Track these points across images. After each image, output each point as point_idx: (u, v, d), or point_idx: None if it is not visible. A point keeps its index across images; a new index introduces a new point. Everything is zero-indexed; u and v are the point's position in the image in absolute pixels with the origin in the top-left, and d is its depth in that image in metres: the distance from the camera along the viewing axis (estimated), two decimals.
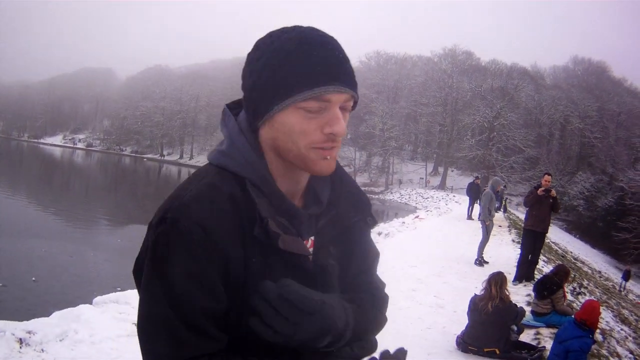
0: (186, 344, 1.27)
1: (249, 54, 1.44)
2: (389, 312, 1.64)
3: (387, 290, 1.68)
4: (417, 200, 57.08)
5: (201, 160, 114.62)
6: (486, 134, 79.23)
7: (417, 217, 28.99)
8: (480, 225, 15.40)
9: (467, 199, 31.31)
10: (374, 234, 2.24)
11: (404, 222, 24.93)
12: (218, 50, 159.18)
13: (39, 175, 61.85)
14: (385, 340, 1.73)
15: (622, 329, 14.13)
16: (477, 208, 23.92)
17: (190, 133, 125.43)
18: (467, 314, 7.68)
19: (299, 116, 1.35)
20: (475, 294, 7.85)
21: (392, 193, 72.94)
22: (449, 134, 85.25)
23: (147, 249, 1.35)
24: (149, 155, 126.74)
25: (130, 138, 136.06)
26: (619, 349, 10.39)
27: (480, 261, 14.77)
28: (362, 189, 1.64)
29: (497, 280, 7.57)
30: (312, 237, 1.49)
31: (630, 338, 13.45)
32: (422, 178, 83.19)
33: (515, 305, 7.85)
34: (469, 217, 27.84)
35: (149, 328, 1.32)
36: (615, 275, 34.38)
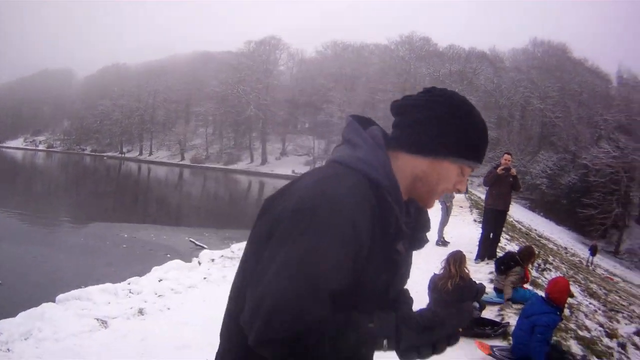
0: (305, 310, 1.51)
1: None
2: None
3: None
4: None
5: (161, 155, 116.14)
6: None
7: None
8: (440, 206, 15.56)
9: None
10: None
11: None
12: (175, 46, 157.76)
13: (1, 179, 61.10)
14: None
15: (590, 303, 14.13)
16: None
17: (149, 129, 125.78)
18: (428, 293, 7.69)
19: (456, 170, 1.84)
20: (435, 274, 7.86)
21: None
22: None
23: (294, 221, 1.59)
24: (109, 154, 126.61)
25: (90, 137, 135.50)
26: (588, 322, 10.36)
27: (443, 241, 14.81)
28: None
29: (455, 259, 7.69)
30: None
31: (600, 311, 13.48)
32: None
33: (475, 282, 7.95)
34: None
35: (283, 282, 1.52)
36: (582, 251, 34.83)
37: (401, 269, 1.84)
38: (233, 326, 1.73)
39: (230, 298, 1.82)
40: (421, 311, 1.71)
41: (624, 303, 21.53)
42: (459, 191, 1.91)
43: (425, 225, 1.97)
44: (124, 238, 23.91)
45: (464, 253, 8.01)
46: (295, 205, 1.61)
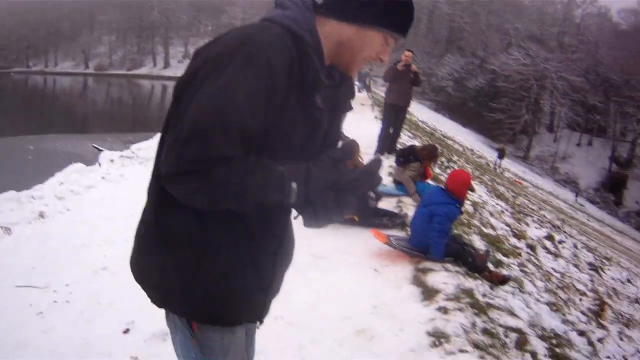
0: (216, 141, 1.61)
1: None
2: None
3: None
4: None
5: (65, 66, 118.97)
6: None
7: None
8: (358, 84, 16.97)
9: None
10: None
11: None
12: None
13: None
14: None
15: (497, 204, 14.20)
16: None
17: (55, 42, 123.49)
18: None
19: (380, 40, 1.95)
20: None
21: None
22: None
23: (215, 61, 1.70)
24: (16, 69, 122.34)
25: None
26: (494, 221, 10.61)
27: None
28: None
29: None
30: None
31: (507, 213, 13.61)
32: None
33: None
34: None
35: (199, 119, 1.63)
36: (490, 154, 35.43)
37: (322, 126, 1.95)
38: (152, 180, 1.88)
39: (156, 156, 1.85)
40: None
41: (533, 207, 21.92)
42: (381, 60, 2.02)
43: (349, 90, 3.20)
44: (30, 150, 23.31)
45: (360, 145, 8.11)
46: (220, 49, 1.74)
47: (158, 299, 1.94)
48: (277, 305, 3.43)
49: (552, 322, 6.39)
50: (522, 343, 5.00)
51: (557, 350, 5.49)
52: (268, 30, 1.76)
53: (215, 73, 1.66)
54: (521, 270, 7.83)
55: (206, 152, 1.58)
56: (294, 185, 1.67)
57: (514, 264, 7.89)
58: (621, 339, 7.79)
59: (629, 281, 16.22)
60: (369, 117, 21.72)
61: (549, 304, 7.04)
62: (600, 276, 13.08)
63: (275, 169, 1.67)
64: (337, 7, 1.90)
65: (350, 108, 1.94)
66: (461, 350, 3.81)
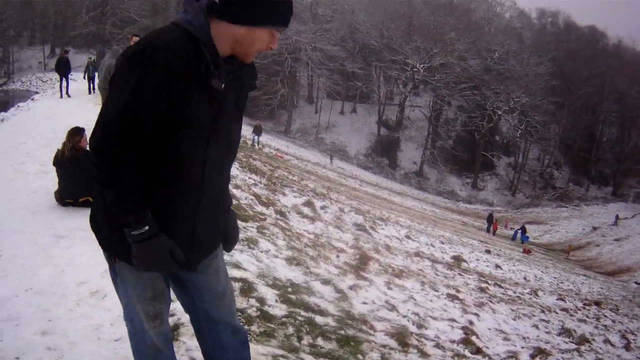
0: (118, 132, 2.42)
1: None
2: None
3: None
4: (37, 85, 59.36)
5: None
6: (99, 9, 77.27)
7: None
8: (100, 93, 17.63)
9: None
10: None
11: (18, 106, 26.00)
12: None
13: None
14: None
15: (250, 177, 14.61)
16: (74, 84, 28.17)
17: None
18: (56, 170, 8.34)
19: (267, 34, 2.59)
20: None
21: (14, 82, 72.69)
22: (64, 15, 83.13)
23: (128, 63, 2.43)
24: None
25: None
26: (238, 193, 11.19)
27: None
28: None
29: (69, 132, 8.50)
30: (223, 84, 2.59)
31: (261, 185, 14.07)
32: (41, 62, 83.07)
33: None
34: (67, 95, 26.62)
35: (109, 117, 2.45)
36: (247, 132, 36.19)
37: (225, 107, 2.64)
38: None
39: None
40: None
41: (294, 178, 22.87)
42: (271, 48, 2.65)
43: (249, 72, 2.77)
44: None
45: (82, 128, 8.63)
46: (130, 53, 2.45)
47: (99, 242, 2.86)
48: (25, 280, 5.19)
49: (289, 273, 7.11)
50: (247, 290, 5.69)
51: (292, 296, 6.20)
52: (169, 33, 2.48)
53: (124, 74, 2.42)
54: (259, 232, 8.59)
55: (109, 140, 2.42)
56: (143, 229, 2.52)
57: (252, 227, 8.64)
58: (389, 288, 8.73)
59: (407, 237, 17.65)
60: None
61: (288, 258, 7.76)
62: (371, 235, 14.07)
63: (111, 196, 2.50)
64: (228, 12, 2.51)
65: (254, 87, 2.11)
66: None
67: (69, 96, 26.16)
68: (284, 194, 14.64)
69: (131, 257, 2.62)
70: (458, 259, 17.08)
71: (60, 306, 4.77)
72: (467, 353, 6.97)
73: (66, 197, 8.20)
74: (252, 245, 7.63)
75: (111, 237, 2.74)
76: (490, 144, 79.42)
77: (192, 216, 2.73)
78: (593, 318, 13.90)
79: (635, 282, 37.51)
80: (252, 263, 6.84)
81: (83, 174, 7.91)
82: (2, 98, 50.75)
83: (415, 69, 74.53)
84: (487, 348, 7.59)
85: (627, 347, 11.16)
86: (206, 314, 3.11)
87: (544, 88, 79.85)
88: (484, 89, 76.23)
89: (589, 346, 9.96)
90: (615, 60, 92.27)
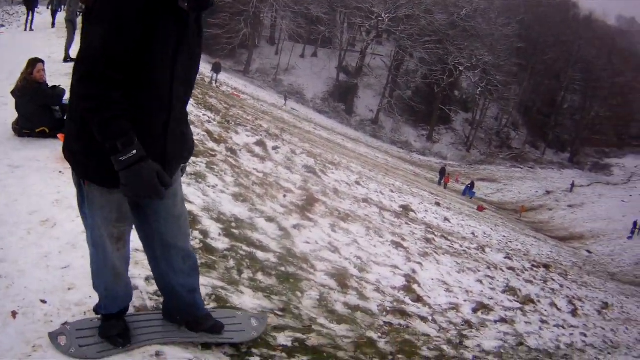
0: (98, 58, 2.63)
1: None
2: None
3: None
4: (3, 18, 57.15)
5: None
6: None
7: None
8: (66, 26, 17.07)
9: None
10: None
11: None
12: None
13: None
14: None
15: (204, 114, 14.50)
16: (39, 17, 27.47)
17: None
18: (16, 102, 8.32)
19: None
20: None
21: None
22: None
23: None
24: None
25: None
26: (209, 127, 11.86)
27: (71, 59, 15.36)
28: None
29: (28, 63, 8.39)
30: (187, 3, 2.81)
31: (215, 122, 13.91)
32: None
33: (53, 87, 8.59)
34: (30, 29, 26.05)
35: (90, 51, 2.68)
36: (206, 69, 35.80)
37: (189, 31, 2.90)
38: (71, 95, 2.87)
39: None
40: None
41: (248, 118, 22.77)
42: None
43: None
44: None
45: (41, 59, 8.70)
46: None
47: (72, 167, 3.01)
48: None
49: (234, 209, 7.14)
50: (191, 222, 5.72)
51: (235, 231, 6.29)
52: None
53: (106, 2, 2.66)
54: (208, 168, 8.61)
55: (94, 61, 2.63)
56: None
57: (201, 163, 8.65)
58: (334, 231, 8.80)
59: (357, 183, 17.70)
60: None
61: (235, 195, 7.79)
62: (320, 178, 14.06)
63: (107, 120, 2.65)
64: None
65: (212, 4, 2.16)
66: None
67: (32, 30, 25.72)
68: (237, 133, 14.53)
69: (103, 178, 2.87)
70: (406, 209, 17.16)
71: (12, 235, 4.82)
72: (407, 300, 7.08)
73: (23, 127, 8.24)
74: (199, 180, 7.69)
75: (85, 162, 2.91)
76: (449, 99, 79.68)
77: (163, 131, 2.95)
78: (540, 280, 14.11)
79: (587, 251, 38.48)
80: (198, 197, 6.93)
81: (32, 105, 8.12)
82: None
83: (380, 18, 73.94)
84: (429, 298, 7.70)
85: (573, 312, 11.31)
86: (161, 238, 3.30)
87: (509, 49, 79.88)
88: (448, 44, 75.98)
89: (534, 307, 10.10)
90: (584, 30, 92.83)
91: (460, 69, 75.06)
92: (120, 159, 2.67)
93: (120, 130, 2.64)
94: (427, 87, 77.87)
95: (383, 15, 73.29)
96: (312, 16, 74.79)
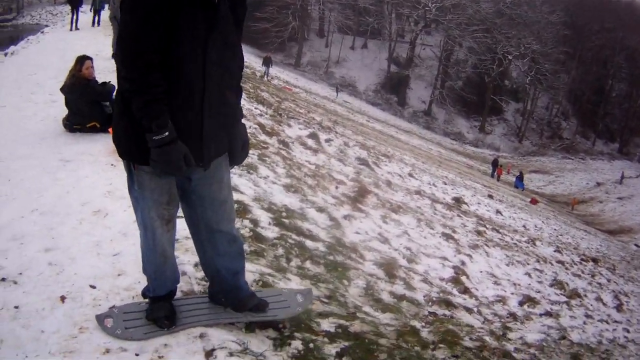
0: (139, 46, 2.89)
1: None
2: None
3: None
4: (47, 19, 59.85)
5: None
6: None
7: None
8: (111, 24, 16.95)
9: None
10: None
11: (28, 39, 26.30)
12: None
13: None
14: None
15: (256, 108, 14.78)
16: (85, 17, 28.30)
17: None
18: (66, 98, 8.61)
19: None
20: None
21: (23, 17, 70.84)
22: None
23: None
24: None
25: None
26: (261, 120, 12.08)
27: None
28: None
29: (76, 60, 8.66)
30: None
31: (267, 115, 14.17)
32: None
33: (103, 83, 8.87)
34: (76, 28, 26.73)
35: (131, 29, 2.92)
36: (257, 64, 35.98)
37: (220, 18, 3.07)
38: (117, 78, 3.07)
39: None
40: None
41: (300, 111, 22.96)
42: None
43: None
44: None
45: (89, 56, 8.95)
46: None
47: (119, 152, 3.22)
48: (32, 202, 5.51)
49: (285, 199, 7.35)
50: (241, 211, 5.99)
51: (285, 220, 6.48)
52: None
53: (130, 4, 2.89)
54: (260, 159, 8.86)
55: (132, 49, 2.87)
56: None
57: (253, 155, 8.85)
58: (385, 222, 8.94)
59: (410, 175, 17.77)
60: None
61: (286, 186, 8.01)
62: (373, 170, 14.22)
63: (144, 103, 2.90)
64: None
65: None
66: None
67: (77, 29, 26.32)
68: (289, 126, 14.76)
69: (143, 157, 3.03)
70: (459, 201, 17.12)
71: (63, 225, 5.00)
72: (454, 292, 7.18)
73: (75, 123, 8.49)
74: (251, 171, 7.89)
75: (129, 145, 3.14)
76: (500, 89, 78.59)
77: (199, 110, 3.11)
78: (588, 274, 13.96)
79: (636, 245, 37.60)
80: (249, 187, 7.12)
81: (82, 101, 8.41)
82: (12, 32, 50.66)
83: (427, 8, 73.33)
84: (476, 290, 7.79)
85: (618, 307, 11.13)
86: (207, 223, 3.47)
87: (556, 37, 78.44)
88: (496, 32, 74.94)
89: (580, 301, 10.04)
90: (627, 16, 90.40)
91: (509, 57, 73.98)
92: (154, 138, 2.92)
93: (155, 113, 2.89)
94: (477, 77, 76.87)
95: (430, 5, 72.60)
96: (359, 7, 74.37)
